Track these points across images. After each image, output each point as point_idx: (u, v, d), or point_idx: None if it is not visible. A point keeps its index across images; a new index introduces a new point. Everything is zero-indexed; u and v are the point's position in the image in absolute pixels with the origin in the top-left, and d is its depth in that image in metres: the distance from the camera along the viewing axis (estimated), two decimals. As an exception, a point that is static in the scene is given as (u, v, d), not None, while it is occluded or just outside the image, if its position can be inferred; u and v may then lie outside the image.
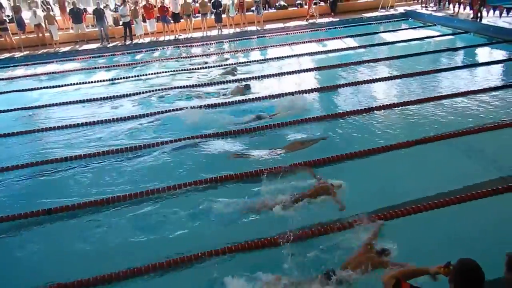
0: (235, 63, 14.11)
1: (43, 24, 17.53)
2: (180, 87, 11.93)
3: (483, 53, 14.36)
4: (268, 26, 19.56)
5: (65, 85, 13.07)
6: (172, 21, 18.59)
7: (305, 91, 10.67)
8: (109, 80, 13.34)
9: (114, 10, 19.61)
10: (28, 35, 18.06)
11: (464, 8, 17.77)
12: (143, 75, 13.51)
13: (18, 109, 11.05)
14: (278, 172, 6.63)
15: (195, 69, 13.87)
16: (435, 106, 9.40)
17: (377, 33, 17.98)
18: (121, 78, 13.42)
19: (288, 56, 14.77)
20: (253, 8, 19.50)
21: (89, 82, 13.20)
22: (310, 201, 6.00)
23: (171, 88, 11.87)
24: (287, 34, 18.66)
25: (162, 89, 11.78)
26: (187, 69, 13.87)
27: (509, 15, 15.56)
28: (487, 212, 5.70)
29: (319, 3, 21.04)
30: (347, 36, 17.14)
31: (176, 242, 5.52)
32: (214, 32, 18.82)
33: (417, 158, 7.32)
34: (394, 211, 5.67)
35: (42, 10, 18.54)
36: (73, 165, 7.76)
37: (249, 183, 6.75)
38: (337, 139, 8.21)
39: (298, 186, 6.39)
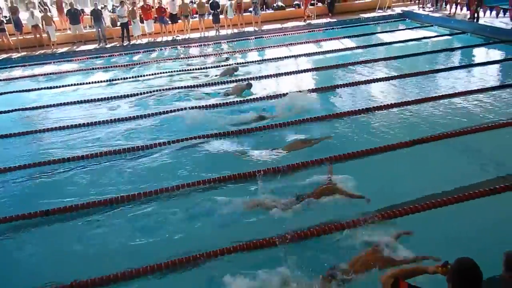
0: (233, 64, 14.09)
1: (40, 25, 17.49)
2: (178, 87, 11.91)
3: (480, 53, 14.43)
4: (266, 27, 19.58)
5: (63, 86, 13.04)
6: (169, 22, 18.59)
7: (303, 91, 10.67)
8: (107, 81, 13.31)
9: (112, 11, 19.60)
10: (25, 36, 18.02)
11: (461, 9, 17.83)
12: (141, 76, 13.49)
13: (15, 110, 11.02)
14: (290, 170, 6.77)
15: (193, 69, 13.86)
16: (432, 106, 9.42)
17: (374, 33, 18.04)
18: (119, 79, 13.40)
19: (286, 57, 14.77)
20: (251, 9, 19.52)
21: (87, 83, 13.17)
22: (314, 201, 6.01)
23: (169, 88, 11.85)
24: (285, 34, 18.68)
25: (160, 90, 11.76)
26: (185, 70, 13.85)
27: (505, 15, 15.61)
28: (485, 212, 5.73)
29: (317, 3, 21.07)
30: (345, 37, 17.17)
31: (176, 243, 5.51)
32: (212, 33, 18.83)
33: (415, 158, 7.34)
34: (392, 211, 5.68)
35: (40, 11, 18.54)
36: (71, 166, 7.75)
37: (249, 183, 6.75)
38: (336, 139, 8.20)
39: (305, 185, 6.44)
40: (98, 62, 16.07)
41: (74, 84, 13.12)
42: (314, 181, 6.54)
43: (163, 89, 11.81)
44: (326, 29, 19.13)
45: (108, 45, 17.85)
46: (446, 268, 2.95)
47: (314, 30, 19.07)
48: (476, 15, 16.39)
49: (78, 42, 18.23)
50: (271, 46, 16.68)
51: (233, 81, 12.06)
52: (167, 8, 18.51)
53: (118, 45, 17.93)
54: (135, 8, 17.91)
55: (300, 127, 8.78)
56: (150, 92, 11.66)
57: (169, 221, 5.95)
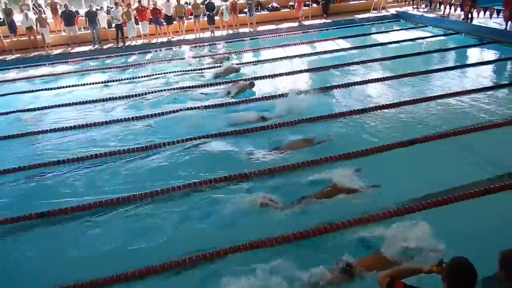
0: (229, 64, 14.11)
1: (34, 27, 17.41)
2: (178, 88, 11.90)
3: (474, 54, 14.51)
4: (261, 28, 19.60)
5: (57, 88, 12.98)
6: (164, 23, 18.56)
7: (301, 92, 10.66)
8: (102, 82, 13.26)
9: (107, 12, 19.55)
10: (19, 37, 17.93)
11: (455, 9, 17.92)
12: (136, 77, 13.45)
13: (10, 112, 10.95)
14: (291, 169, 6.87)
15: (189, 70, 13.84)
16: (427, 106, 9.47)
17: (369, 34, 18.08)
18: (114, 81, 13.35)
19: (281, 58, 14.80)
20: (246, 10, 19.52)
21: (81, 85, 13.13)
22: (316, 200, 6.06)
23: (166, 90, 11.82)
24: (280, 35, 18.70)
25: (156, 91, 11.73)
26: (180, 71, 13.82)
27: (499, 16, 15.70)
28: (481, 211, 5.75)
29: (311, 4, 21.11)
30: (339, 38, 17.21)
31: (176, 244, 5.52)
32: (207, 34, 18.82)
33: (412, 158, 7.37)
34: (389, 212, 5.70)
35: (34, 13, 18.44)
36: (66, 168, 7.72)
37: (249, 183, 6.77)
38: (335, 139, 8.22)
39: (306, 185, 6.50)
40: (93, 64, 16.00)
41: (69, 86, 13.07)
42: (315, 180, 6.58)
43: (158, 90, 11.78)
44: (321, 30, 19.16)
45: (103, 47, 17.78)
46: (442, 267, 2.96)
47: (309, 31, 19.10)
48: (470, 15, 16.48)
49: (73, 43, 18.15)
50: (267, 47, 16.69)
51: (234, 81, 12.08)
52: (162, 9, 18.48)
53: (113, 46, 17.87)
54: (130, 10, 17.86)
55: (299, 128, 8.78)
56: (146, 93, 11.63)
57: (168, 222, 5.95)
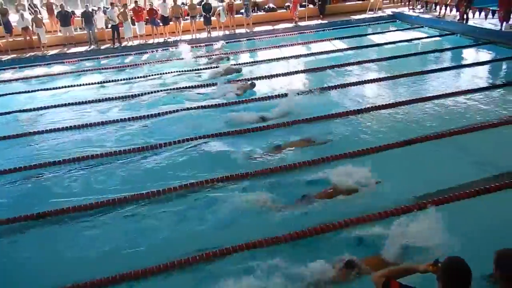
0: (230, 65, 14.14)
1: (30, 27, 17.36)
2: (173, 89, 11.90)
3: (470, 54, 14.56)
4: (257, 29, 19.61)
5: (54, 88, 12.94)
6: (161, 24, 18.54)
7: (298, 92, 10.66)
8: (99, 83, 13.23)
9: (103, 12, 19.49)
10: (15, 38, 17.86)
11: (451, 10, 17.99)
12: (133, 77, 13.44)
13: (5, 113, 10.91)
14: (291, 169, 6.92)
15: (187, 71, 13.83)
16: (423, 106, 9.51)
17: (365, 35, 18.14)
18: (110, 81, 13.31)
19: (278, 59, 14.81)
20: (242, 10, 19.53)
21: (78, 85, 13.11)
22: (318, 200, 6.07)
23: (164, 90, 11.81)
24: (277, 36, 18.72)
25: (154, 92, 11.72)
26: (178, 71, 13.81)
27: (494, 16, 15.78)
28: (479, 211, 5.77)
29: (308, 5, 21.12)
30: (336, 38, 17.25)
31: (176, 244, 5.53)
32: (204, 35, 18.81)
33: (409, 158, 7.39)
34: (385, 212, 5.71)
35: (30, 13, 18.38)
36: (63, 169, 7.70)
37: (250, 182, 6.79)
38: (334, 139, 8.24)
39: (304, 185, 6.54)
40: (89, 64, 15.95)
41: (65, 87, 13.03)
42: (313, 180, 6.61)
43: (159, 91, 11.77)
44: (317, 31, 19.20)
45: (99, 47, 17.74)
46: (437, 267, 2.97)
47: (306, 32, 19.13)
48: (465, 16, 16.57)
49: (69, 44, 18.11)
50: (263, 48, 16.71)
51: (235, 81, 12.11)
52: (158, 10, 18.46)
53: (110, 47, 17.81)
54: (126, 10, 17.83)
55: (296, 128, 8.79)
56: (144, 94, 11.61)
57: (167, 222, 5.96)
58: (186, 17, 19.15)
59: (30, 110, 11.04)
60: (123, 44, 18.00)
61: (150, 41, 18.34)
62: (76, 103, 11.26)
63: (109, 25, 18.01)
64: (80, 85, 13.16)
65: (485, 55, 14.18)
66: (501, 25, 14.99)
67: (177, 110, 10.04)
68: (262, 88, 11.74)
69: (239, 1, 20.03)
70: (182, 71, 13.83)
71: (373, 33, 18.52)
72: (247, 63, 14.61)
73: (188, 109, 10.08)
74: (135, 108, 10.71)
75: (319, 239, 5.39)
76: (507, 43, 14.25)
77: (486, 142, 7.75)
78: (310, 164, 7.16)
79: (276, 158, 7.54)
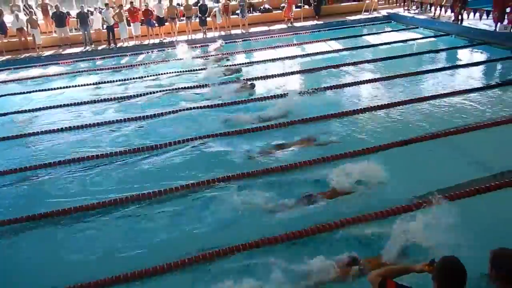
0: (229, 65, 14.20)
1: (25, 28, 17.28)
2: (172, 89, 11.89)
3: (464, 55, 14.64)
4: (253, 29, 19.62)
5: (49, 89, 12.89)
6: (156, 25, 18.52)
7: (294, 93, 10.68)
8: (94, 83, 13.19)
9: (99, 12, 19.44)
10: (10, 39, 17.78)
11: (446, 11, 18.08)
12: (128, 79, 13.41)
13: (0, 114, 10.86)
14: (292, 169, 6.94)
15: (184, 71, 13.81)
16: (418, 107, 9.54)
17: (361, 35, 18.19)
18: (106, 82, 13.27)
19: (274, 59, 14.81)
20: (238, 11, 19.53)
21: (73, 86, 13.07)
22: (317, 200, 6.09)
23: (159, 91, 11.79)
24: (272, 37, 18.73)
25: (149, 93, 11.71)
26: (175, 72, 13.80)
27: (488, 17, 15.87)
28: (476, 210, 5.78)
29: (303, 6, 21.16)
30: (331, 39, 17.29)
31: (177, 244, 5.53)
32: (199, 35, 18.80)
33: (406, 158, 7.42)
34: (385, 211, 5.74)
35: (25, 14, 18.29)
36: (59, 170, 7.67)
37: (249, 182, 6.80)
38: (333, 139, 8.27)
39: (302, 184, 6.56)
40: (85, 65, 15.91)
41: (60, 88, 12.98)
42: (312, 180, 6.63)
43: (151, 92, 11.75)
44: (313, 32, 19.24)
45: (95, 48, 17.69)
46: (433, 267, 2.98)
47: (301, 33, 19.16)
48: (460, 17, 16.66)
49: (64, 45, 18.04)
50: (259, 49, 16.71)
51: (235, 82, 12.12)
52: (153, 10, 18.43)
53: (106, 48, 17.77)
54: (121, 11, 17.79)
55: (293, 129, 8.81)
56: (138, 95, 11.59)
57: (167, 223, 5.96)
58: (181, 18, 19.13)
59: (24, 111, 10.99)
60: (119, 45, 17.95)
61: (146, 42, 18.31)
62: (71, 104, 11.22)
63: (104, 26, 17.95)
64: (76, 86, 13.11)
65: (479, 55, 14.26)
66: (495, 25, 15.08)
67: (176, 111, 10.04)
68: (259, 88, 11.73)
69: (235, 2, 20.03)
70: (179, 71, 13.82)
71: (369, 34, 18.56)
72: (243, 63, 14.60)
73: (186, 109, 10.07)
74: (133, 108, 10.68)
75: (319, 239, 5.39)
76: (501, 44, 14.34)
77: (481, 142, 7.78)
78: (309, 164, 7.18)
79: (275, 158, 7.56)
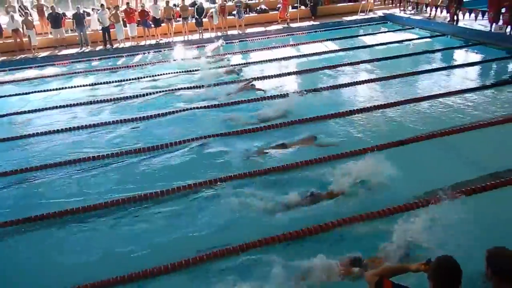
0: (229, 66, 14.21)
1: (21, 29, 17.21)
2: (171, 90, 11.87)
3: (460, 55, 14.71)
4: (249, 30, 19.63)
5: (45, 90, 12.85)
6: (152, 26, 18.49)
7: (292, 93, 10.69)
8: (90, 85, 13.17)
9: (96, 13, 19.41)
10: (5, 40, 17.73)
11: (441, 12, 18.15)
12: (125, 80, 13.39)
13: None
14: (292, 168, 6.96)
15: (183, 71, 13.81)
16: (415, 107, 9.58)
17: (357, 36, 18.23)
18: (101, 83, 13.24)
19: (270, 60, 14.83)
20: (234, 12, 19.54)
21: (69, 87, 13.04)
22: (316, 200, 6.12)
23: (157, 92, 11.79)
24: (269, 37, 18.75)
25: (147, 94, 11.69)
26: (173, 72, 13.79)
27: (484, 18, 15.94)
28: (474, 210, 5.79)
29: (300, 7, 21.20)
30: (328, 39, 17.32)
31: (177, 244, 5.53)
32: (196, 36, 18.79)
33: (404, 158, 7.41)
34: (383, 210, 5.76)
35: (20, 15, 18.24)
36: (57, 172, 7.65)
37: (249, 182, 6.81)
38: (331, 139, 8.28)
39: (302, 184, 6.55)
40: (81, 66, 15.87)
41: (57, 89, 12.94)
42: (311, 180, 6.64)
43: (149, 93, 11.73)
44: (309, 32, 19.27)
45: (91, 49, 17.66)
46: (429, 266, 2.99)
47: (298, 33, 19.19)
48: (455, 17, 16.74)
49: (60, 46, 17.99)
50: (256, 49, 16.72)
51: (235, 82, 12.14)
52: (150, 11, 18.40)
53: (102, 49, 17.72)
54: (118, 12, 17.75)
55: (291, 129, 8.84)
56: (134, 96, 11.57)
57: (166, 223, 5.97)
58: (178, 19, 19.11)
59: (20, 113, 10.96)
60: (115, 46, 17.91)
61: (142, 43, 18.28)
62: (67, 105, 11.19)
63: (100, 27, 17.90)
64: (72, 87, 13.08)
65: (475, 55, 14.33)
66: (491, 26, 15.16)
67: (174, 112, 10.04)
68: (257, 89, 11.75)
69: (231, 3, 20.03)
70: (176, 72, 13.81)
71: (365, 34, 18.61)
72: (240, 64, 14.63)
73: (185, 110, 10.07)
74: (131, 109, 10.68)
75: (319, 239, 5.41)
76: (496, 44, 14.43)
77: (477, 142, 7.82)
78: (309, 164, 7.20)
79: (275, 158, 7.57)
